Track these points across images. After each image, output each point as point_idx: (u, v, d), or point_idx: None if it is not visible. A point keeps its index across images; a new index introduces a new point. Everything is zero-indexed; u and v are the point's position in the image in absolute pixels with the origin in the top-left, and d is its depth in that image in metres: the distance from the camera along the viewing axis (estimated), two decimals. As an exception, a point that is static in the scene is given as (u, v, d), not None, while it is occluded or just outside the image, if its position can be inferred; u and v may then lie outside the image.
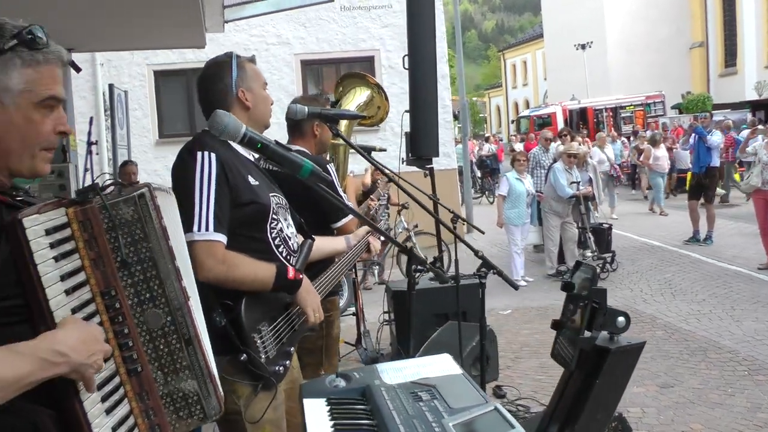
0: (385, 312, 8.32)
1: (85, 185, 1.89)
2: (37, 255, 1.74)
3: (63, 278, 1.78)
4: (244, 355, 2.83)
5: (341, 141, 5.08)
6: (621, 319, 2.64)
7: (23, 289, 1.74)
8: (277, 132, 4.48)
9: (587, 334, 2.61)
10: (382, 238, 4.16)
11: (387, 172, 3.85)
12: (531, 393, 6.85)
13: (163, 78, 16.23)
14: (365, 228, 4.16)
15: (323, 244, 3.73)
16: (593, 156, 17.93)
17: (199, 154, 2.93)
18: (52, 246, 1.77)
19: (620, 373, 2.66)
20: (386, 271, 12.80)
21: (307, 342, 4.41)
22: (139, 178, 10.85)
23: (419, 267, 3.17)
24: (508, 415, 1.96)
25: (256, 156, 3.28)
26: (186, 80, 15.89)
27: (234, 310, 2.84)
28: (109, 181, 1.99)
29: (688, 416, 6.10)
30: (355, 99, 5.81)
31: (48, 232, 1.76)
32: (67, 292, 1.78)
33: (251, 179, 3.06)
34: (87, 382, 1.77)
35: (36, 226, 1.74)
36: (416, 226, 12.38)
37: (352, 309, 8.25)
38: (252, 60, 3.38)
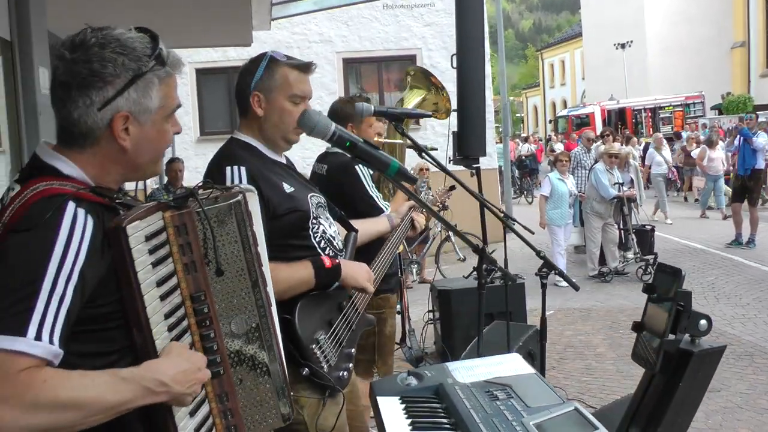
0: (429, 311, 8.32)
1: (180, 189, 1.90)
2: (138, 262, 1.75)
3: (159, 284, 1.81)
4: (306, 369, 2.77)
5: (396, 140, 5.09)
6: (703, 322, 2.62)
7: (121, 295, 1.76)
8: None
9: (671, 336, 2.59)
10: (424, 211, 4.11)
11: (443, 167, 3.82)
12: (577, 395, 6.82)
13: (204, 76, 16.35)
14: (407, 204, 4.13)
15: (367, 227, 3.70)
16: (650, 158, 17.70)
17: (228, 169, 2.84)
18: (150, 252, 1.79)
19: (702, 376, 2.64)
20: (425, 269, 12.83)
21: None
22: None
23: (488, 267, 3.16)
24: (590, 416, 1.95)
25: (286, 161, 3.19)
26: (228, 78, 15.99)
27: (289, 324, 2.76)
28: (202, 183, 2.01)
29: (737, 421, 6.05)
30: (414, 99, 5.80)
31: (147, 238, 1.78)
32: (162, 298, 1.81)
33: (286, 186, 2.93)
34: (182, 405, 1.82)
35: (138, 233, 1.76)
36: (455, 226, 12.35)
37: (397, 307, 8.25)
38: (301, 67, 3.03)
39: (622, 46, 43.26)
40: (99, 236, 1.73)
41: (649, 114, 36.13)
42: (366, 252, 3.57)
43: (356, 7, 15.31)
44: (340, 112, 4.57)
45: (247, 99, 2.99)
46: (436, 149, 5.65)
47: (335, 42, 16.50)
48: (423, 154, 3.53)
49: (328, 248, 3.04)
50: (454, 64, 6.92)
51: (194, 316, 1.88)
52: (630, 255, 12.63)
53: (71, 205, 1.70)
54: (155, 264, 1.79)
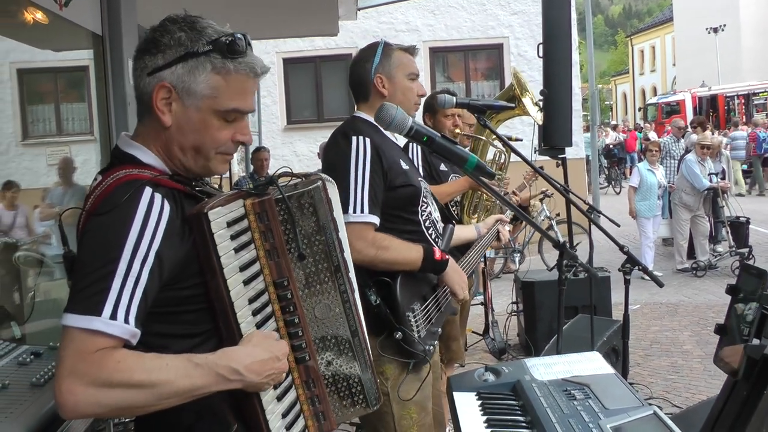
0: (513, 302, 8.27)
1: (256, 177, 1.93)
2: (220, 247, 1.79)
3: (242, 269, 1.84)
4: (400, 332, 2.89)
5: (479, 135, 5.07)
6: (790, 326, 2.53)
7: (204, 278, 1.80)
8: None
9: (755, 341, 2.52)
10: (509, 228, 4.16)
11: (527, 160, 3.81)
12: (663, 393, 6.68)
13: (291, 65, 16.53)
14: (494, 217, 4.16)
15: (458, 233, 3.75)
16: None
17: (354, 138, 3.06)
18: (232, 238, 1.82)
19: (790, 384, 2.55)
20: (527, 258, 12.69)
21: None
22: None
23: (570, 262, 3.14)
24: (669, 421, 1.91)
25: (402, 141, 3.35)
26: (314, 67, 16.17)
27: (390, 288, 2.90)
28: (282, 171, 2.03)
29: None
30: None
31: (229, 224, 1.81)
32: (245, 283, 1.84)
33: (402, 164, 3.16)
34: (259, 390, 1.85)
35: (219, 218, 1.79)
36: (558, 215, 12.22)
37: (480, 298, 8.22)
38: (409, 50, 3.44)
39: (715, 30, 42.05)
40: (177, 221, 1.77)
41: (743, 101, 35.02)
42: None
43: (443, -4, 15.31)
44: None
45: (368, 84, 3.30)
46: (521, 140, 5.62)
47: (422, 31, 16.47)
48: (510, 145, 3.54)
49: (431, 228, 3.23)
50: (541, 54, 6.86)
51: (278, 302, 1.90)
52: (720, 248, 12.32)
53: (148, 190, 1.74)
54: (237, 249, 1.83)
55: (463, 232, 3.92)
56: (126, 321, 1.64)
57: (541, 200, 12.23)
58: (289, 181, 2.00)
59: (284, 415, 1.90)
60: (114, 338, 1.64)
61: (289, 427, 1.90)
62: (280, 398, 1.90)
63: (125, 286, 1.65)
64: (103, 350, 1.61)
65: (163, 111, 1.86)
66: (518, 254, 12.49)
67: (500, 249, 11.84)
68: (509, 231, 4.34)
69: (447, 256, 3.09)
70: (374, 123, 3.00)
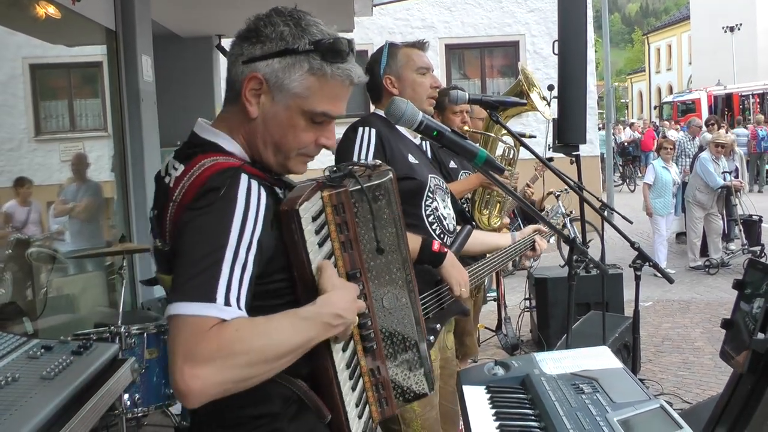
0: (526, 299, 8.29)
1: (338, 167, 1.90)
2: (308, 243, 1.79)
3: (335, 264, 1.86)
4: None
5: (487, 132, 5.07)
6: (795, 320, 2.54)
7: (290, 273, 1.80)
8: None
9: (761, 336, 2.53)
10: (548, 240, 4.13)
11: (540, 156, 3.82)
12: (673, 389, 6.69)
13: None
14: (533, 227, 4.12)
15: (488, 239, 3.77)
16: None
17: (360, 129, 3.17)
18: (316, 232, 1.82)
19: (794, 379, 2.56)
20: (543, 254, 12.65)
21: None
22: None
23: (581, 258, 3.14)
24: (675, 414, 1.92)
25: (417, 137, 3.38)
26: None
27: None
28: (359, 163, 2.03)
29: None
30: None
31: (313, 219, 1.81)
32: None
33: (411, 158, 3.21)
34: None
35: (307, 214, 1.78)
36: (571, 213, 12.22)
37: (493, 294, 8.24)
38: (417, 45, 3.48)
39: (731, 29, 41.87)
40: (271, 210, 1.76)
41: (758, 100, 34.85)
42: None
43: (460, -7, 15.32)
44: None
45: (379, 86, 3.39)
46: (535, 137, 5.64)
47: (438, 28, 16.48)
48: (522, 143, 3.55)
49: (435, 224, 3.24)
50: (556, 51, 6.87)
51: None
52: (733, 246, 12.29)
53: (244, 177, 1.73)
54: (320, 244, 1.83)
55: (495, 239, 3.86)
56: (239, 307, 1.63)
57: (556, 197, 12.23)
58: (364, 171, 1.99)
59: (356, 405, 1.92)
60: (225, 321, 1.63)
61: (360, 415, 1.92)
62: (353, 388, 1.91)
63: (234, 272, 1.64)
64: (216, 326, 1.59)
65: (250, 102, 1.85)
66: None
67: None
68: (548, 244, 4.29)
69: (446, 249, 3.06)
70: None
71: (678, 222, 13.57)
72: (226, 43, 9.41)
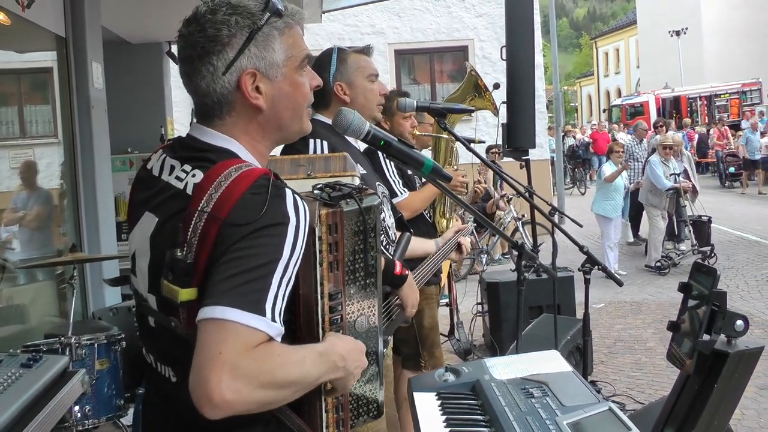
0: (478, 303, 8.33)
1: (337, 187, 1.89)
2: (317, 259, 1.78)
3: (320, 283, 1.84)
4: None
5: (443, 135, 5.10)
6: (740, 322, 2.60)
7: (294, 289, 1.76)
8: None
9: (706, 337, 2.58)
10: (470, 237, 4.16)
11: (486, 161, 3.86)
12: (626, 390, 6.77)
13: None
14: (453, 228, 4.16)
15: (415, 245, 3.75)
16: None
17: (311, 141, 3.08)
18: (320, 251, 1.81)
19: (738, 377, 2.62)
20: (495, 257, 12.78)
21: (400, 332, 4.47)
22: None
23: (529, 263, 3.17)
24: (624, 416, 1.95)
25: (362, 145, 3.35)
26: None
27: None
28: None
29: (791, 419, 5.95)
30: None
31: (319, 238, 1.80)
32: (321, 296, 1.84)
33: (360, 168, 3.12)
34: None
35: (315, 228, 1.77)
36: (523, 216, 12.34)
37: (446, 300, 8.27)
38: (364, 51, 3.44)
39: (677, 33, 42.63)
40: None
41: (705, 102, 35.54)
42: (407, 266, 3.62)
43: (409, -2, 15.39)
44: None
45: (328, 93, 3.27)
46: (484, 141, 5.69)
47: (387, 33, 16.53)
48: (468, 147, 3.57)
49: (382, 235, 3.14)
50: (504, 56, 6.92)
51: (329, 313, 1.87)
52: (683, 247, 12.50)
53: (288, 191, 1.71)
54: (320, 263, 1.82)
55: (422, 245, 3.87)
56: (281, 323, 1.61)
57: (508, 201, 12.35)
58: (355, 192, 1.96)
59: (326, 427, 1.90)
60: (270, 337, 1.60)
61: None
62: (327, 410, 1.89)
63: (281, 287, 1.62)
64: (262, 345, 1.57)
65: (256, 97, 1.82)
66: (486, 255, 12.57)
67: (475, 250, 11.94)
68: (473, 235, 4.34)
69: (407, 272, 3.05)
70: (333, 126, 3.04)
71: (625, 227, 13.76)
72: (176, 49, 9.35)
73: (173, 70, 9.87)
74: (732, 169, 21.70)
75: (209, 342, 1.54)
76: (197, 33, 1.80)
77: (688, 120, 29.74)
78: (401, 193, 4.37)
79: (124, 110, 8.67)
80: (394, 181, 4.40)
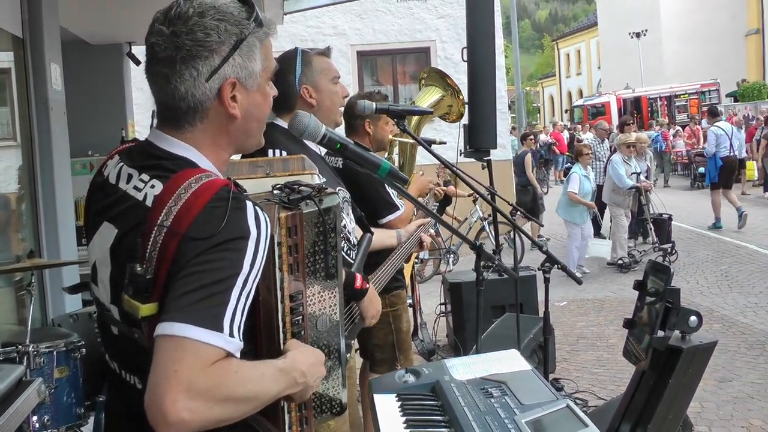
0: (441, 303, 8.36)
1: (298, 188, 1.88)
2: (278, 264, 1.77)
3: (280, 287, 1.83)
4: None
5: (407, 138, 5.10)
6: (693, 318, 2.64)
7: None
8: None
9: (660, 333, 2.62)
10: (432, 232, 4.17)
11: (445, 162, 3.87)
12: (588, 386, 6.84)
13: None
14: (416, 223, 4.16)
15: (375, 238, 3.75)
16: None
17: (270, 151, 3.02)
18: (279, 256, 1.80)
19: (693, 372, 2.67)
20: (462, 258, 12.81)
21: (375, 338, 4.47)
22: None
23: (488, 264, 3.17)
24: (581, 413, 1.97)
25: (323, 151, 3.33)
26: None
27: None
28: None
29: (748, 411, 6.04)
30: (431, 97, 5.79)
31: (278, 243, 1.79)
32: (281, 300, 1.83)
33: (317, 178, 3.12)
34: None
35: (275, 236, 1.75)
36: (489, 216, 12.38)
37: (409, 300, 8.28)
38: (324, 53, 3.40)
39: (637, 35, 43.12)
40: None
41: (665, 102, 36.02)
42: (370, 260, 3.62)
43: None
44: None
45: (293, 96, 3.24)
46: (445, 143, 5.69)
47: (349, 35, 16.51)
48: (427, 149, 3.57)
49: (344, 241, 3.13)
50: (465, 58, 6.94)
51: (290, 315, 1.86)
52: (645, 247, 12.65)
53: (249, 203, 1.68)
54: (280, 267, 1.81)
55: (382, 239, 3.90)
56: (240, 338, 1.59)
57: (474, 201, 12.39)
58: (312, 193, 1.95)
59: (289, 427, 1.90)
60: (228, 353, 1.58)
61: None
62: (289, 411, 1.89)
63: (239, 301, 1.59)
64: (219, 362, 1.54)
65: (233, 106, 1.80)
66: (452, 255, 12.60)
67: (434, 250, 11.96)
68: (439, 237, 4.36)
69: (367, 285, 3.04)
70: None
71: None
72: (137, 50, 9.27)
73: (134, 71, 9.75)
74: (702, 170, 21.84)
75: (165, 360, 1.52)
76: (184, 35, 1.75)
77: (664, 120, 30.06)
78: (402, 206, 4.27)
79: (84, 112, 8.55)
80: (392, 193, 4.27)
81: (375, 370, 4.63)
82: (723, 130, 15.42)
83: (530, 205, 14.63)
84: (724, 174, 15.15)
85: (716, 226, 15.19)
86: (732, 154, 15.12)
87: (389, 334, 4.52)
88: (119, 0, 7.33)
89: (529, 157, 15.10)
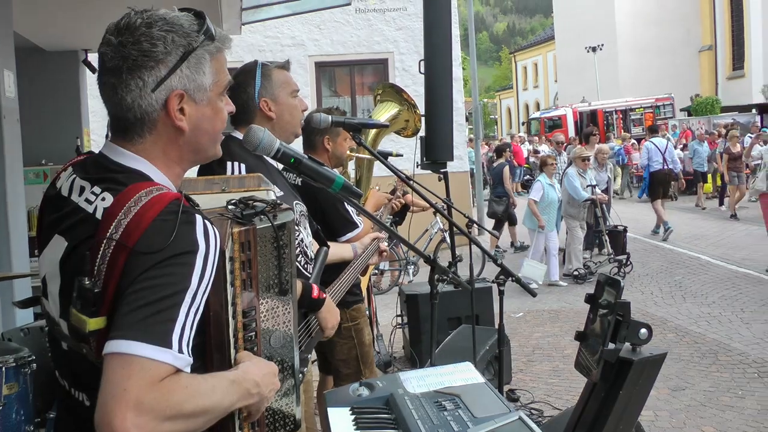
0: (398, 315, 8.35)
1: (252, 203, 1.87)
2: (229, 279, 1.75)
3: (233, 302, 1.80)
4: None
5: (363, 152, 5.10)
6: (644, 330, 2.69)
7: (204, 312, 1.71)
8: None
9: (611, 346, 2.65)
10: (384, 246, 4.18)
11: (401, 175, 3.88)
12: (544, 396, 6.88)
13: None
14: (371, 236, 4.17)
15: (331, 252, 3.73)
16: None
17: (229, 164, 3.03)
18: (230, 272, 1.78)
19: (643, 383, 2.70)
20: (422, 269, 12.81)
21: (339, 353, 4.46)
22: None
23: (441, 276, 3.18)
24: (532, 424, 1.98)
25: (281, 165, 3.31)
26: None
27: None
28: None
29: (700, 419, 6.13)
30: (387, 112, 5.82)
31: (231, 258, 1.77)
32: (233, 316, 1.81)
33: (276, 190, 3.07)
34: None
35: (227, 252, 1.73)
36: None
37: (366, 312, 8.26)
38: (284, 66, 3.40)
39: (593, 49, 43.64)
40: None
41: (620, 116, 36.50)
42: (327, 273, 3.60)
43: (328, 11, 15.32)
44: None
45: (253, 109, 3.24)
46: (401, 155, 5.70)
47: (307, 46, 16.49)
48: (382, 161, 3.58)
49: (301, 255, 3.14)
50: (422, 70, 6.96)
51: (243, 330, 1.84)
52: (601, 258, 12.77)
53: (198, 217, 1.67)
54: (232, 282, 1.78)
55: (338, 251, 3.89)
56: (189, 353, 1.57)
57: (434, 213, 12.38)
58: (266, 208, 1.94)
59: None
60: (178, 369, 1.56)
61: None
62: (241, 428, 1.86)
63: (188, 317, 1.58)
64: (168, 378, 1.53)
65: (180, 118, 1.79)
66: (412, 266, 12.60)
67: (393, 261, 11.97)
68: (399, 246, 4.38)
69: (324, 295, 3.03)
70: None
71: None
72: (93, 58, 9.16)
73: (90, 79, 9.62)
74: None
75: (114, 378, 1.51)
76: (131, 45, 1.75)
77: (626, 134, 30.42)
78: (361, 224, 4.27)
79: (37, 120, 8.45)
80: (351, 210, 4.26)
81: (341, 385, 4.61)
82: (656, 145, 16.26)
83: (505, 215, 14.92)
84: (655, 186, 16.05)
85: (666, 230, 15.71)
86: (665, 168, 15.93)
87: (353, 348, 4.51)
88: (75, 7, 7.23)
89: (507, 169, 15.26)
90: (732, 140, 18.35)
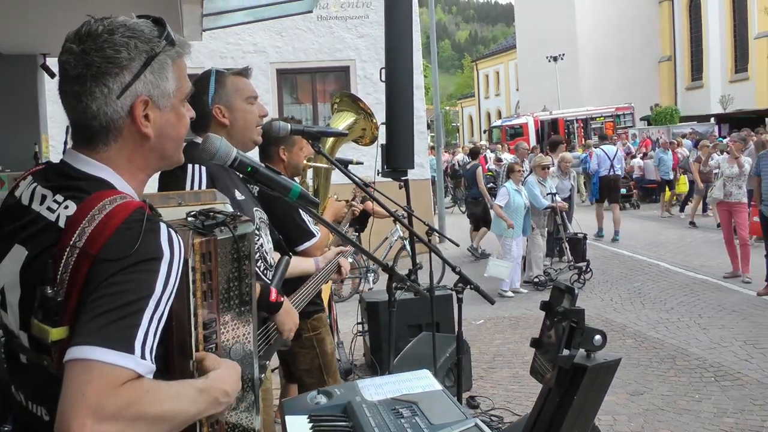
0: (358, 323, 8.35)
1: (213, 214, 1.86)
2: (191, 289, 1.74)
3: (194, 312, 1.79)
4: None
5: (322, 160, 5.09)
6: (598, 337, 2.72)
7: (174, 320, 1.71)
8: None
9: (565, 352, 2.69)
10: (351, 260, 4.18)
11: (359, 183, 3.89)
12: (504, 403, 6.91)
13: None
14: (335, 250, 4.16)
15: (294, 264, 3.72)
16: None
17: (189, 167, 3.01)
18: (193, 282, 1.77)
19: (597, 388, 2.73)
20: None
21: (302, 363, 4.46)
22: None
23: (399, 285, 3.20)
24: (488, 430, 1.99)
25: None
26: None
27: None
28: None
29: (658, 423, 6.21)
30: (344, 121, 5.83)
31: (193, 268, 1.77)
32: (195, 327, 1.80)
33: (238, 194, 3.12)
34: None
35: (189, 257, 1.72)
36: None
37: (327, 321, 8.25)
38: (242, 72, 3.39)
39: (555, 58, 44.08)
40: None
41: (581, 124, 36.89)
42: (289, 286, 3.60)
43: (290, 18, 15.30)
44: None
45: (207, 116, 3.21)
46: (362, 163, 5.71)
47: (269, 52, 16.45)
48: (341, 169, 3.58)
49: (260, 261, 3.13)
50: (383, 78, 6.97)
51: (203, 343, 1.83)
52: (562, 265, 12.87)
53: (163, 225, 1.66)
54: (194, 293, 1.78)
55: (300, 265, 3.89)
56: (152, 360, 1.55)
57: (394, 221, 12.39)
58: (226, 220, 1.93)
59: None
60: (139, 375, 1.54)
61: None
62: None
63: (152, 323, 1.56)
64: (130, 382, 1.50)
65: (146, 125, 1.79)
66: (372, 273, 12.61)
67: (353, 269, 11.96)
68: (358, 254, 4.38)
69: (282, 298, 3.04)
70: None
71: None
72: (52, 62, 9.05)
73: (49, 84, 9.50)
74: (624, 191, 22.33)
75: (73, 384, 1.48)
76: (94, 52, 1.74)
77: (590, 142, 30.80)
78: (317, 233, 4.26)
79: (-6, 125, 8.33)
80: (307, 220, 4.25)
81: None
82: (605, 152, 17.03)
83: (482, 217, 15.10)
84: (603, 190, 16.89)
85: (599, 236, 16.72)
86: (612, 173, 16.71)
87: (315, 357, 4.51)
88: (33, 9, 7.15)
89: (480, 171, 15.38)
90: (703, 149, 18.64)
